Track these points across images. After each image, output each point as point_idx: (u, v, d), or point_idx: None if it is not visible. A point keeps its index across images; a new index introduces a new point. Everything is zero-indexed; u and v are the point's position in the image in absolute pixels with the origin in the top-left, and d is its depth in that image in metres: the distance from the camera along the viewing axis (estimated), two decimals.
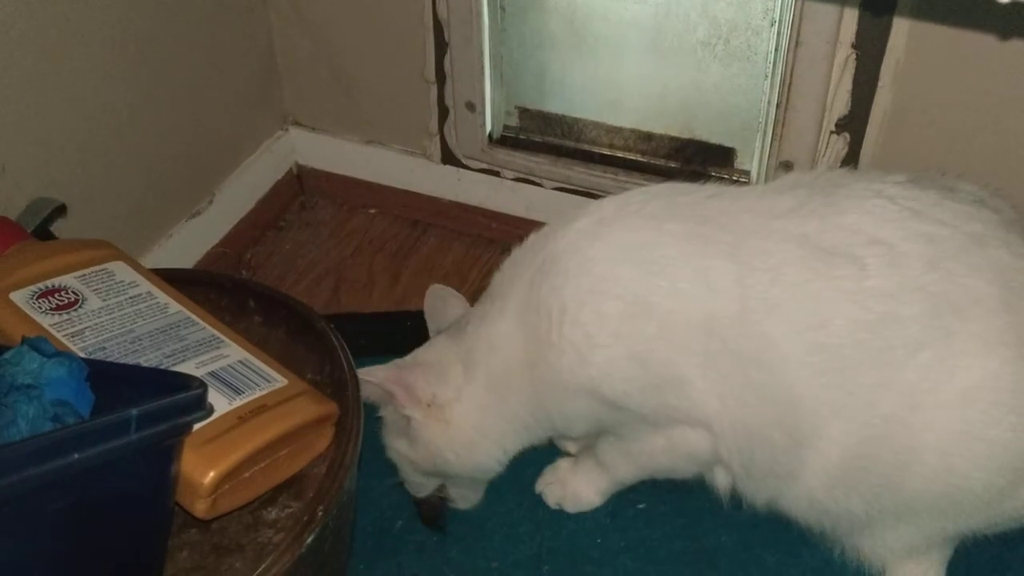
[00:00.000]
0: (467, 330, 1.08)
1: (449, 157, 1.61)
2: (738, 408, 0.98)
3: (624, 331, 0.98)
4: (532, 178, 1.57)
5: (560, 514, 1.22)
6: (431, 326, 1.19)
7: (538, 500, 1.23)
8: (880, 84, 1.29)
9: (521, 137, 1.57)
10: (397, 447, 1.12)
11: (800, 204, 0.99)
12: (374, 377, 1.04)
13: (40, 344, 0.81)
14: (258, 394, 0.90)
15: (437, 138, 1.60)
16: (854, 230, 0.96)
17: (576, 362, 0.99)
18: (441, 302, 1.19)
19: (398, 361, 1.10)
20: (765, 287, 0.95)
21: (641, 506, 1.23)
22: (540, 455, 1.26)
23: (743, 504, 1.09)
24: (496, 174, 1.59)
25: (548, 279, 1.01)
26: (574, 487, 1.21)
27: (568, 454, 1.26)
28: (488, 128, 1.56)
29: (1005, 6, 0.76)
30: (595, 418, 1.05)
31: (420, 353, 1.11)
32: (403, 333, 1.45)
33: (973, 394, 0.93)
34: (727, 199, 1.03)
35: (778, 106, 1.36)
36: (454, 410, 1.06)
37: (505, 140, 1.58)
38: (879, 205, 0.97)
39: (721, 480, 1.08)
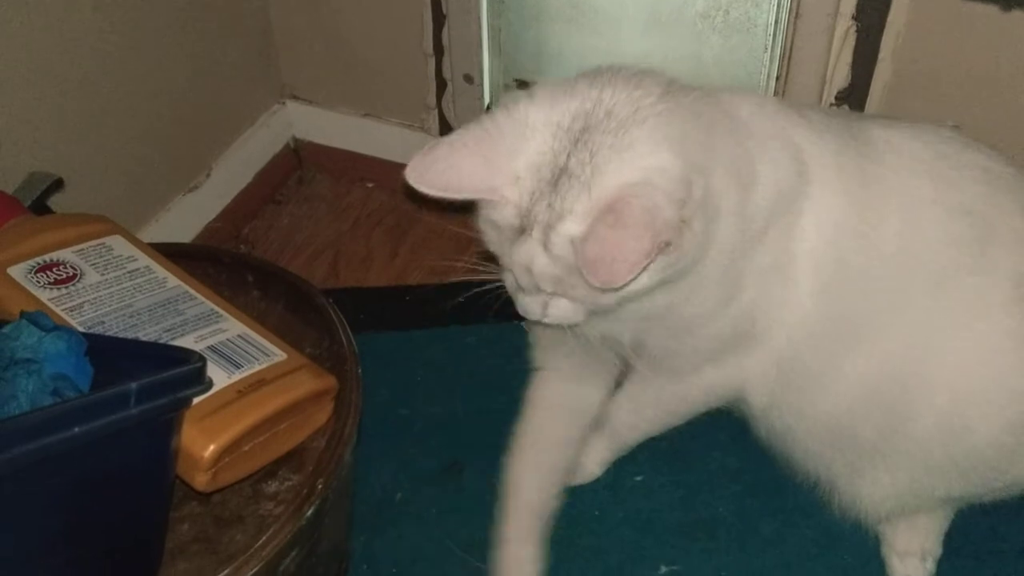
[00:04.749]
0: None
1: (447, 130, 1.60)
2: (816, 307, 0.96)
3: (791, 195, 0.93)
4: None
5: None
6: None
7: None
8: (880, 57, 1.28)
9: None
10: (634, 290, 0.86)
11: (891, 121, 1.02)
12: (647, 252, 0.78)
13: (39, 318, 0.81)
14: (257, 368, 0.90)
15: (435, 111, 1.59)
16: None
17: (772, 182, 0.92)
18: None
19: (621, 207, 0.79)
20: (868, 188, 0.94)
21: (639, 478, 1.24)
22: None
23: (755, 433, 1.10)
24: None
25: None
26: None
27: None
28: (486, 101, 1.55)
29: None
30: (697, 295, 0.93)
31: (630, 163, 0.81)
32: (402, 308, 1.46)
33: (1002, 335, 0.93)
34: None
35: (778, 79, 1.35)
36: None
37: None
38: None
39: (756, 400, 1.05)
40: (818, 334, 0.97)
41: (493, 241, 0.88)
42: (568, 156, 0.81)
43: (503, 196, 0.83)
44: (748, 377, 1.03)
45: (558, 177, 0.81)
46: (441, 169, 0.84)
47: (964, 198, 0.95)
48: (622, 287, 0.80)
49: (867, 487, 1.06)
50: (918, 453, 1.00)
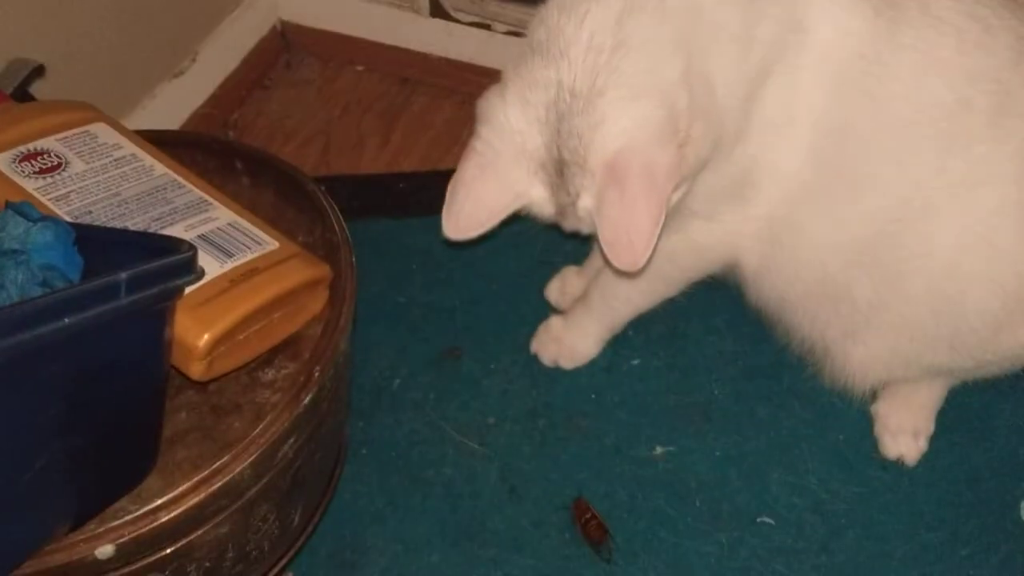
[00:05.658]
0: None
1: (438, 9, 1.56)
2: (814, 164, 0.95)
3: (790, 49, 0.91)
4: (525, 32, 1.52)
5: (556, 371, 1.23)
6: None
7: (533, 358, 1.24)
8: None
9: None
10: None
11: None
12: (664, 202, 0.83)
13: (25, 208, 0.80)
14: (249, 257, 0.89)
15: None
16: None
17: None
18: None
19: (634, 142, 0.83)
20: (880, 43, 0.91)
21: (635, 362, 1.24)
22: (534, 314, 1.27)
23: (747, 299, 1.10)
24: (487, 27, 1.54)
25: None
26: (570, 342, 1.22)
27: (559, 312, 1.26)
28: None
29: None
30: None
31: (621, 98, 0.84)
32: (396, 195, 1.44)
33: (1007, 205, 0.92)
34: None
35: None
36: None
37: None
38: None
39: (748, 263, 1.05)
40: (814, 192, 0.96)
41: (543, 220, 0.94)
42: (559, 148, 0.86)
43: (531, 198, 0.90)
44: (740, 237, 1.02)
45: (560, 168, 0.87)
46: (469, 213, 0.90)
47: (988, 64, 0.92)
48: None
49: (857, 352, 1.06)
50: (908, 317, 1.00)
